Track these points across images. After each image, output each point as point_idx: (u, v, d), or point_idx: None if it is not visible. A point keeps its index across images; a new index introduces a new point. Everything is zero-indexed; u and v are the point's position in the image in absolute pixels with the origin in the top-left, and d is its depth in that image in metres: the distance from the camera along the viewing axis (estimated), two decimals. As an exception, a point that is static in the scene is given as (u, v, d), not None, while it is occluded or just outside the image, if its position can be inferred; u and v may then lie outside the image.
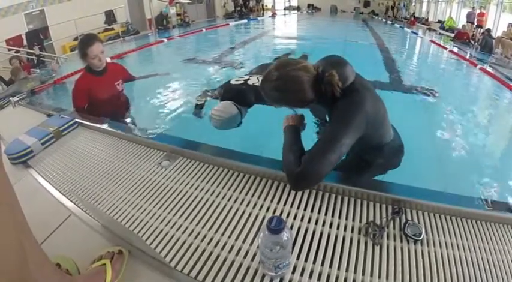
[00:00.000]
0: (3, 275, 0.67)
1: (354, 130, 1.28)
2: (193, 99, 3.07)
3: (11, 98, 2.97)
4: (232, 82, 2.45)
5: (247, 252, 1.09)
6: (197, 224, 1.23)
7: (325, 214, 1.25)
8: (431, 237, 1.15)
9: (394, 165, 1.71)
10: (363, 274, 1.01)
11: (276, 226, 0.86)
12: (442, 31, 14.24)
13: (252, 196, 1.37)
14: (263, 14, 20.68)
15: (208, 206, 1.33)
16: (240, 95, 2.26)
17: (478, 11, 12.65)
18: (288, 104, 1.47)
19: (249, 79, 2.41)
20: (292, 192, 1.36)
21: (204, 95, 3.02)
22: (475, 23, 12.35)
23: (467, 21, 12.81)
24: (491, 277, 1.02)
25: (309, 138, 1.55)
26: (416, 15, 18.75)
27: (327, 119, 2.19)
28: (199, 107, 2.90)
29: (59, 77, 4.65)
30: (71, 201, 1.45)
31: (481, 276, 1.01)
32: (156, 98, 3.64)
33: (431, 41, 10.58)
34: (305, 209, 1.28)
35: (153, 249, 1.08)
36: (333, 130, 1.30)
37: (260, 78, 2.31)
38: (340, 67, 1.36)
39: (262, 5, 22.28)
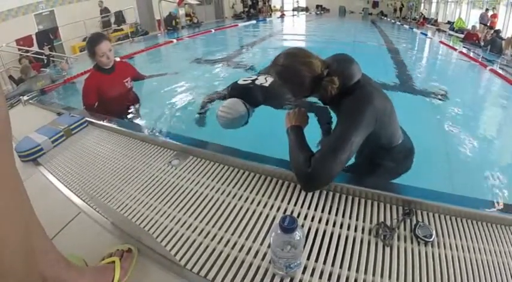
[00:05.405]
0: (6, 263, 0.66)
1: (363, 126, 1.27)
2: (201, 99, 3.05)
3: (21, 97, 3.00)
4: (240, 82, 2.43)
5: (257, 252, 1.09)
6: (207, 223, 1.23)
7: (336, 215, 1.24)
8: (442, 239, 1.14)
9: (405, 169, 1.69)
10: (373, 275, 1.00)
11: (289, 225, 0.86)
12: (451, 32, 14.12)
13: (263, 196, 1.36)
14: (271, 15, 20.69)
15: (218, 205, 1.33)
16: (247, 94, 2.23)
17: (490, 13, 12.49)
18: (288, 90, 1.51)
19: (256, 79, 2.39)
20: (303, 192, 1.36)
21: (208, 100, 2.96)
22: (488, 25, 12.18)
23: (480, 23, 12.63)
24: (502, 281, 1.00)
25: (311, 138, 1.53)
26: (426, 16, 18.61)
27: (332, 120, 2.20)
28: (202, 116, 2.85)
29: (69, 76, 4.68)
30: (81, 198, 1.45)
31: (491, 280, 1.00)
32: (166, 97, 3.65)
33: (441, 42, 10.47)
34: (315, 209, 1.27)
35: (163, 247, 1.08)
36: (342, 128, 1.29)
37: (268, 79, 2.31)
38: (347, 64, 1.37)
39: (271, 6, 22.29)
